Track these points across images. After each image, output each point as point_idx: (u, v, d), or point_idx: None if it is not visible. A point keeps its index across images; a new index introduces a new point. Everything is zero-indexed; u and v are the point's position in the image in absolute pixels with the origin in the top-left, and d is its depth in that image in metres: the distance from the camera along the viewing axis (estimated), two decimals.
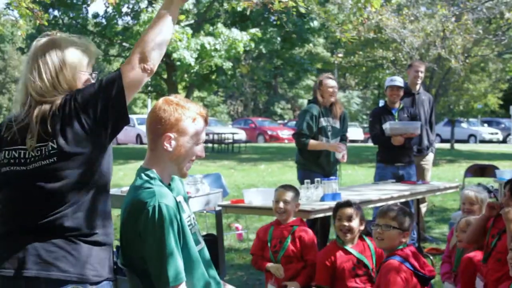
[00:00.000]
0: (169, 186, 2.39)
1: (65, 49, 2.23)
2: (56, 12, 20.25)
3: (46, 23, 6.68)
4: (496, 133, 34.04)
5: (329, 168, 5.73)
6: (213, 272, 2.46)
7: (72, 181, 2.12)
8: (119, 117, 2.17)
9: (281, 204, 4.08)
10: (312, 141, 5.59)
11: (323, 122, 5.64)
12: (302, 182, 5.39)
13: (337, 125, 5.76)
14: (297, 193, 4.20)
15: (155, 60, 2.20)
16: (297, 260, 4.03)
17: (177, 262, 2.20)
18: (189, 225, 2.36)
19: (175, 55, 17.75)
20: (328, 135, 5.68)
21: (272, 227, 4.19)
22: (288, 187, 4.19)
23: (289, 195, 4.10)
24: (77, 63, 2.24)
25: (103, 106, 2.14)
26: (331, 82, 5.65)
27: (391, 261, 3.33)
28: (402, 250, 3.38)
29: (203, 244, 2.45)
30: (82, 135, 2.13)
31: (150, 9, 18.66)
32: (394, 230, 3.38)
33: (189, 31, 17.93)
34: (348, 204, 3.95)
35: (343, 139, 5.92)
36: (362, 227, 3.93)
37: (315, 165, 5.66)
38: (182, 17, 13.40)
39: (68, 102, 2.15)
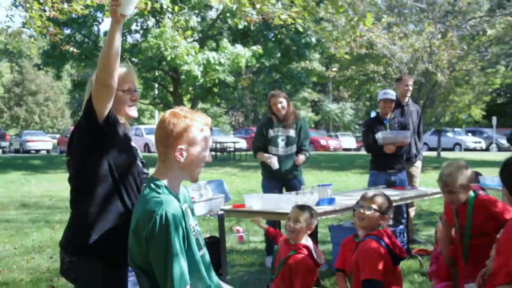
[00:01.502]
0: (176, 195, 2.40)
1: None
2: (68, 31, 20.35)
3: (59, 41, 6.69)
4: (479, 142, 34.21)
5: (279, 175, 5.91)
6: (213, 275, 2.47)
7: (74, 174, 2.65)
8: (89, 127, 2.53)
9: (291, 223, 3.76)
10: (258, 153, 5.97)
11: (272, 133, 5.96)
12: (264, 189, 5.94)
13: (292, 134, 5.97)
14: (312, 214, 3.84)
15: (104, 74, 2.43)
16: (285, 286, 3.71)
17: (182, 266, 2.20)
18: (193, 231, 2.38)
19: (184, 68, 17.80)
20: (277, 143, 5.94)
21: (283, 242, 3.91)
22: (303, 208, 3.87)
23: (302, 216, 3.77)
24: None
25: (83, 117, 2.56)
26: (278, 100, 5.94)
27: (370, 241, 3.40)
28: (378, 231, 3.47)
29: (204, 250, 2.46)
30: (76, 141, 2.62)
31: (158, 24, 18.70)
32: (375, 212, 3.48)
33: (197, 45, 17.94)
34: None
35: (303, 149, 6.02)
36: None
37: (270, 173, 5.94)
38: (189, 32, 13.45)
39: None
